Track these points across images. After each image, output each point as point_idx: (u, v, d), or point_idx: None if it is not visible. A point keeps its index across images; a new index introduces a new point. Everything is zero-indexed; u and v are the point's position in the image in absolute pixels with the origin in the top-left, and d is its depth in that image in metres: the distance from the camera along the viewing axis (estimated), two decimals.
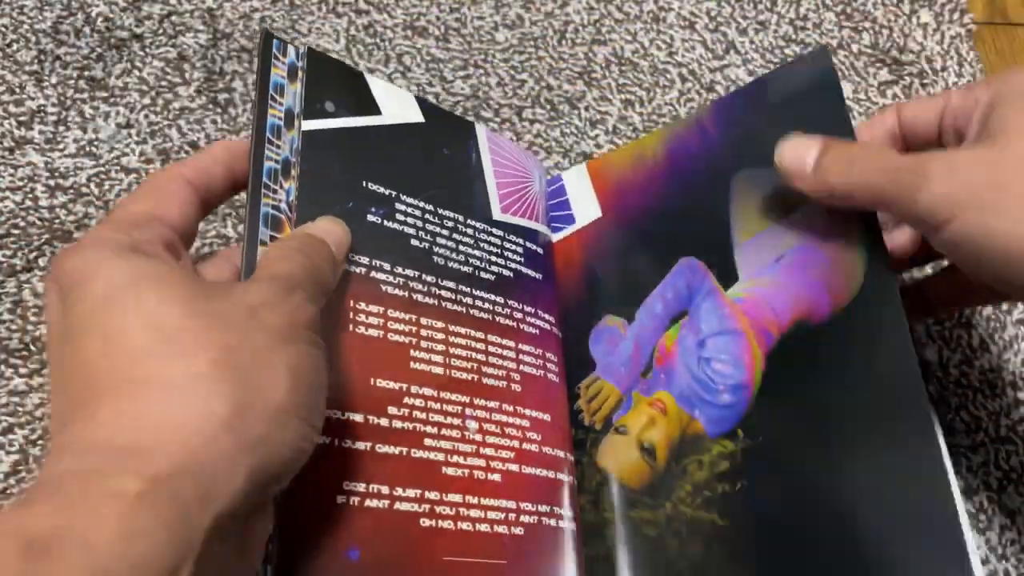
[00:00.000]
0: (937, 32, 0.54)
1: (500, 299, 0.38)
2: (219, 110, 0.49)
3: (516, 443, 0.35)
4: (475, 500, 0.32)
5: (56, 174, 0.46)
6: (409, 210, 0.36)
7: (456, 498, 0.32)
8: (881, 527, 0.30)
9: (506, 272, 0.39)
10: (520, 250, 0.40)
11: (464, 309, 0.36)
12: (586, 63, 0.53)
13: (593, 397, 0.38)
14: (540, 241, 0.41)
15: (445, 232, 0.37)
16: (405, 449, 0.32)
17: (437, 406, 0.33)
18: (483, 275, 0.38)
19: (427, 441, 0.32)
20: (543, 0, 0.55)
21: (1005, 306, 0.46)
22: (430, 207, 0.37)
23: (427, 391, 0.33)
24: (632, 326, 0.39)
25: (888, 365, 0.31)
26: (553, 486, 0.35)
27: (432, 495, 0.31)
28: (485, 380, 0.35)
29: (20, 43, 0.50)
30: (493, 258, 0.38)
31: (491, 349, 0.36)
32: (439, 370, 0.34)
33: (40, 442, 0.40)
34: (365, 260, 0.34)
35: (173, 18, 0.52)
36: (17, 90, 0.49)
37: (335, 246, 0.31)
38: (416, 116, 0.39)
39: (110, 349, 0.23)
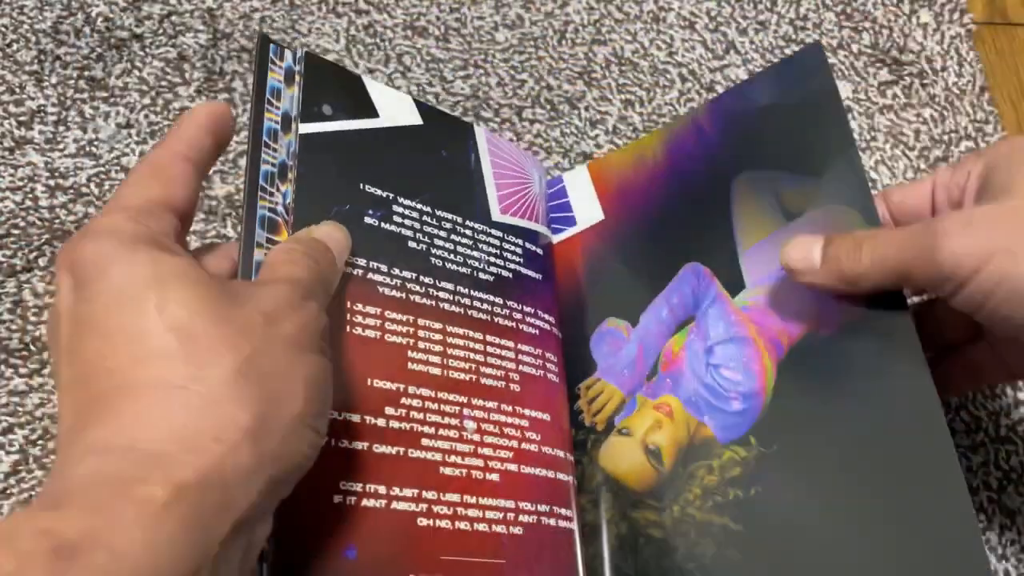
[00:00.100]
0: (937, 32, 0.54)
1: (499, 300, 0.38)
2: None
3: (515, 443, 0.35)
4: (473, 500, 0.32)
5: (56, 174, 0.46)
6: (406, 212, 0.37)
7: (454, 498, 0.32)
8: (900, 540, 0.30)
9: (505, 273, 0.39)
10: (519, 251, 0.40)
11: (462, 310, 0.36)
12: (586, 63, 0.53)
13: (594, 398, 0.38)
14: (540, 242, 0.41)
15: (443, 233, 0.37)
16: (402, 449, 0.32)
17: (435, 406, 0.33)
18: (482, 276, 0.38)
19: (424, 441, 0.32)
20: (543, 0, 0.55)
21: None
22: (428, 209, 0.37)
23: (424, 391, 0.33)
24: (636, 329, 0.39)
25: (901, 379, 0.31)
26: (553, 486, 0.35)
27: (430, 495, 0.32)
28: (483, 380, 0.35)
29: (20, 43, 0.50)
30: (492, 259, 0.38)
31: (490, 349, 0.36)
32: (437, 371, 0.34)
33: (40, 442, 0.40)
34: (362, 262, 0.34)
35: (173, 18, 0.52)
36: (17, 90, 0.49)
37: (337, 252, 0.31)
38: (414, 118, 0.39)
39: (132, 349, 0.23)
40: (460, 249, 0.38)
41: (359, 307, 0.33)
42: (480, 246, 0.38)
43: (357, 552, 0.29)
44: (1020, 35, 0.55)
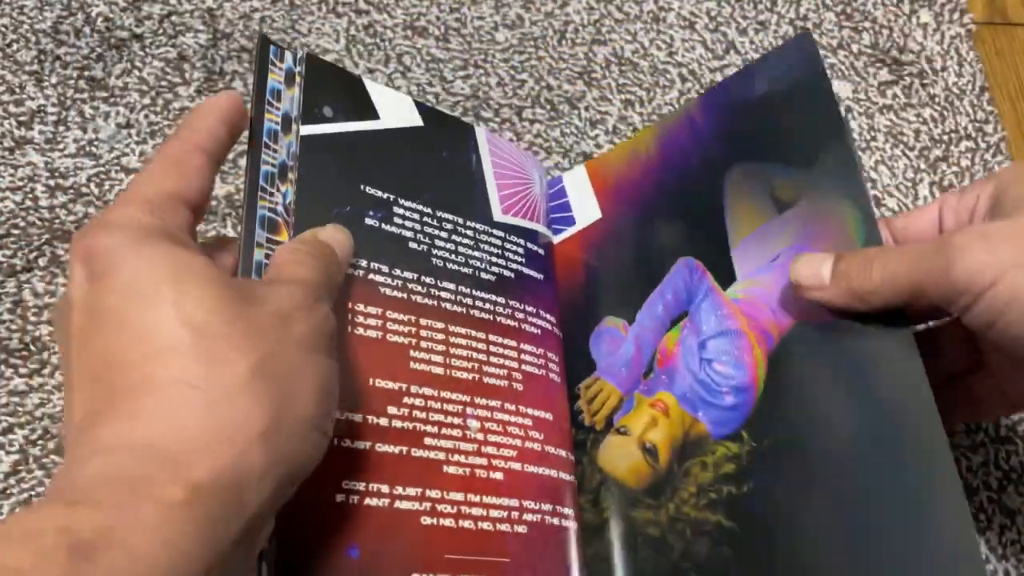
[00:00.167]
0: (937, 32, 0.54)
1: (501, 299, 0.38)
2: None
3: (518, 442, 0.35)
4: (477, 498, 0.32)
5: (56, 174, 0.46)
6: (407, 213, 0.37)
7: (458, 496, 0.32)
8: (894, 533, 0.29)
9: (507, 273, 0.39)
10: (521, 251, 0.40)
11: (464, 310, 0.36)
12: (586, 63, 0.53)
13: (593, 398, 0.38)
14: (541, 242, 0.41)
15: (444, 234, 0.37)
16: (405, 448, 0.32)
17: (437, 405, 0.33)
18: (484, 276, 0.38)
19: (427, 440, 0.32)
20: (543, 0, 0.55)
21: None
22: (428, 210, 0.37)
23: (427, 391, 0.33)
24: (633, 327, 0.39)
25: (893, 367, 0.31)
26: (555, 485, 0.35)
27: (433, 493, 0.32)
28: (486, 379, 0.35)
29: (20, 43, 0.50)
30: (494, 259, 0.39)
31: (492, 349, 0.36)
32: (439, 370, 0.34)
33: (40, 442, 0.40)
34: (363, 263, 0.34)
35: (173, 18, 0.52)
36: (17, 90, 0.49)
37: (341, 254, 0.31)
38: (415, 120, 0.39)
39: (148, 345, 0.23)
40: (461, 249, 0.38)
41: (360, 307, 0.33)
42: (482, 246, 0.38)
43: (360, 551, 0.29)
44: (1020, 35, 0.55)
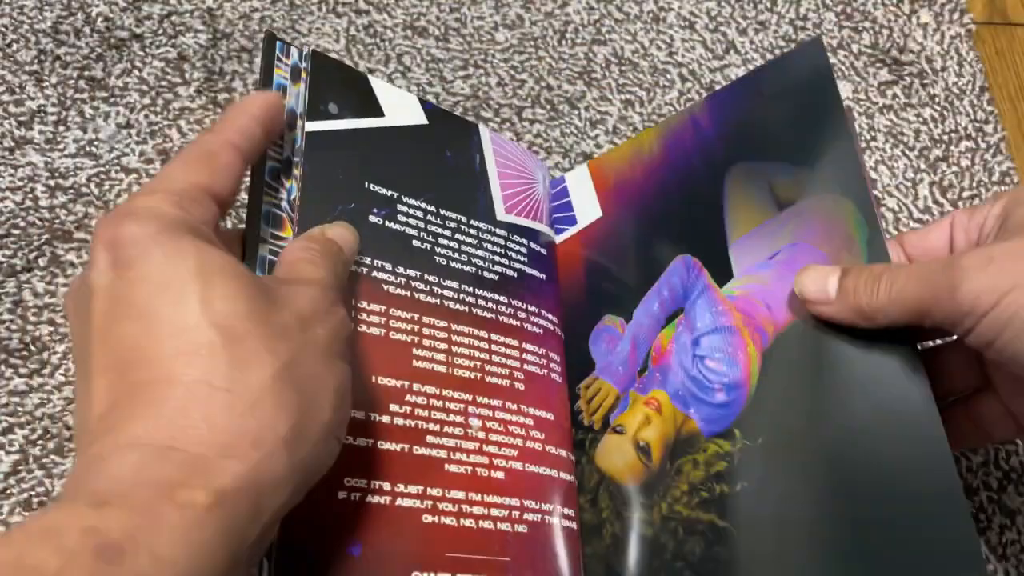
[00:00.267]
0: (937, 32, 0.54)
1: (504, 299, 0.38)
2: (219, 110, 0.49)
3: (520, 441, 0.35)
4: (478, 497, 0.32)
5: (56, 174, 0.46)
6: (411, 211, 0.37)
7: (459, 495, 0.32)
8: (893, 533, 0.29)
9: (510, 272, 0.39)
10: (524, 250, 0.40)
11: (467, 308, 0.36)
12: (586, 63, 0.53)
13: (592, 397, 0.38)
14: (543, 242, 0.41)
15: (447, 233, 0.37)
16: (407, 446, 0.32)
17: (439, 404, 0.33)
18: (486, 275, 0.38)
19: (429, 438, 0.32)
20: (543, 0, 0.55)
21: None
22: (432, 208, 0.37)
23: (429, 389, 0.33)
24: (630, 325, 0.39)
25: (891, 365, 0.31)
26: (556, 485, 0.35)
27: (434, 492, 0.32)
28: (488, 378, 0.35)
29: (20, 43, 0.50)
30: (497, 258, 0.39)
31: (494, 348, 0.36)
32: (442, 368, 0.34)
33: (40, 442, 0.40)
34: (367, 260, 0.34)
35: (173, 18, 0.52)
36: (17, 90, 0.49)
37: (348, 253, 0.31)
38: (419, 118, 0.39)
39: (175, 342, 0.23)
40: (465, 248, 0.38)
41: (363, 304, 0.33)
42: (485, 245, 0.38)
43: (362, 549, 0.29)
44: (1020, 35, 0.55)
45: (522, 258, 0.40)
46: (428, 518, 0.31)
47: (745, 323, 0.35)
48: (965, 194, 0.49)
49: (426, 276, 0.36)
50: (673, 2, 0.55)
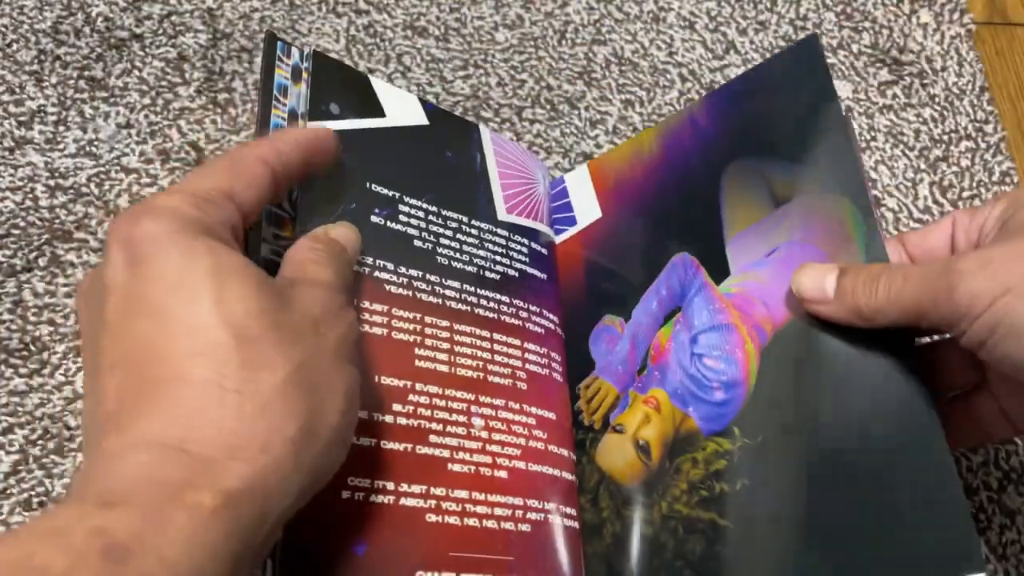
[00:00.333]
0: (937, 32, 0.54)
1: (505, 298, 0.38)
2: (219, 110, 0.49)
3: (522, 440, 0.35)
4: (482, 496, 0.32)
5: (56, 174, 0.46)
6: (412, 211, 0.37)
7: (463, 494, 0.32)
8: (892, 533, 0.29)
9: (511, 272, 0.39)
10: (525, 250, 0.40)
11: (469, 308, 0.36)
12: (586, 63, 0.53)
13: (592, 397, 0.38)
14: (544, 241, 0.41)
15: (449, 233, 0.37)
16: (410, 446, 0.32)
17: (442, 403, 0.33)
18: (488, 275, 0.38)
19: (432, 438, 0.32)
20: (543, 0, 0.55)
21: None
22: (433, 208, 0.37)
23: (432, 388, 0.33)
24: (629, 324, 0.39)
25: (888, 363, 0.31)
26: (559, 484, 0.35)
27: (438, 491, 0.32)
28: (491, 378, 0.35)
29: (20, 43, 0.50)
30: (498, 258, 0.39)
31: (497, 347, 0.36)
32: (444, 368, 0.34)
33: (40, 442, 0.40)
34: (369, 260, 0.34)
35: (173, 18, 0.52)
36: (17, 90, 0.49)
37: (352, 254, 0.31)
38: (420, 118, 0.39)
39: (188, 341, 0.23)
40: (466, 248, 0.38)
41: (365, 304, 0.33)
42: (486, 245, 0.38)
43: (366, 548, 0.29)
44: (1020, 35, 0.55)
45: (523, 258, 0.40)
46: (432, 517, 0.31)
47: (742, 321, 0.35)
48: (965, 194, 0.49)
49: (428, 276, 0.36)
50: (673, 2, 0.55)
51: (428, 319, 0.35)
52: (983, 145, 0.50)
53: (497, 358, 0.36)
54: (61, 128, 0.48)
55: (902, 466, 0.30)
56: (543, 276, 0.40)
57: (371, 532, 0.29)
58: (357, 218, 0.34)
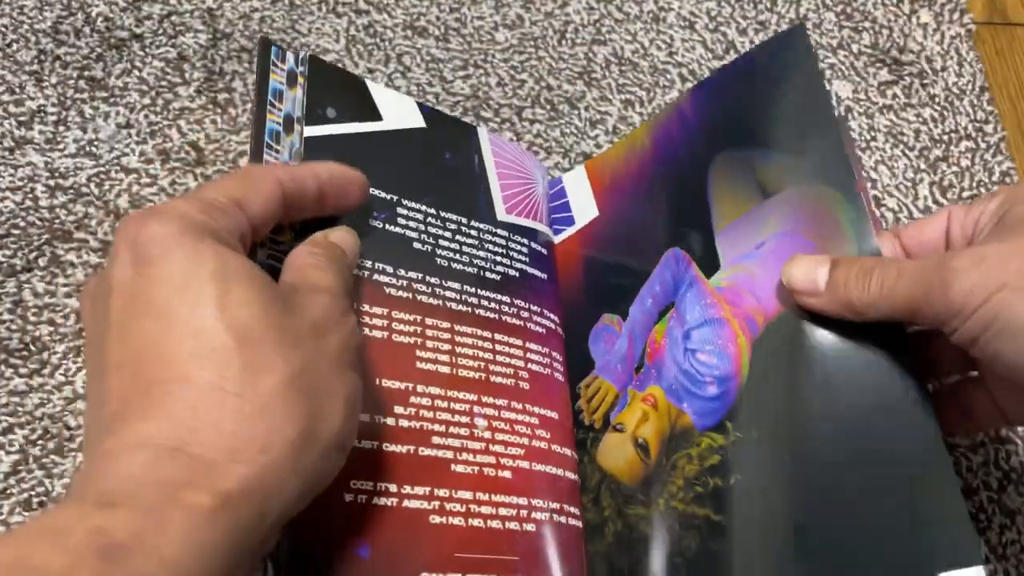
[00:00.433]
0: (937, 32, 0.54)
1: (506, 298, 0.38)
2: (219, 110, 0.49)
3: (526, 440, 0.35)
4: (486, 497, 0.32)
5: (56, 174, 0.46)
6: (411, 214, 0.37)
7: (466, 495, 0.32)
8: (890, 531, 0.29)
9: (512, 272, 0.39)
10: (525, 250, 0.40)
11: (470, 309, 0.36)
12: (586, 63, 0.53)
13: (592, 396, 0.38)
14: (543, 241, 0.41)
15: (448, 234, 0.37)
16: (413, 447, 0.32)
17: (444, 404, 0.33)
18: (489, 275, 0.38)
19: (435, 439, 0.32)
20: (543, 0, 0.55)
21: None
22: (432, 210, 0.37)
23: (434, 390, 0.33)
24: (626, 323, 0.39)
25: (881, 355, 0.31)
26: (562, 484, 0.35)
27: (442, 492, 0.32)
28: (493, 378, 0.35)
29: (20, 43, 0.50)
30: (498, 258, 0.39)
31: (498, 348, 0.36)
32: (446, 369, 0.34)
33: (40, 442, 0.40)
34: (368, 263, 0.34)
35: (173, 18, 0.52)
36: (17, 90, 0.49)
37: (351, 257, 0.31)
38: (417, 121, 0.39)
39: (191, 343, 0.23)
40: (466, 249, 0.38)
41: (366, 308, 0.33)
42: (486, 246, 0.38)
43: (370, 550, 0.29)
44: (1020, 35, 0.55)
45: (523, 258, 0.40)
46: (436, 519, 0.31)
47: (734, 314, 0.35)
48: (965, 194, 0.49)
49: (428, 278, 0.36)
50: (673, 2, 0.55)
51: (429, 321, 0.35)
52: (983, 145, 0.50)
53: (499, 358, 0.36)
54: (61, 128, 0.48)
55: (900, 464, 0.30)
56: (543, 276, 0.40)
57: (375, 534, 0.29)
58: (356, 222, 0.34)
